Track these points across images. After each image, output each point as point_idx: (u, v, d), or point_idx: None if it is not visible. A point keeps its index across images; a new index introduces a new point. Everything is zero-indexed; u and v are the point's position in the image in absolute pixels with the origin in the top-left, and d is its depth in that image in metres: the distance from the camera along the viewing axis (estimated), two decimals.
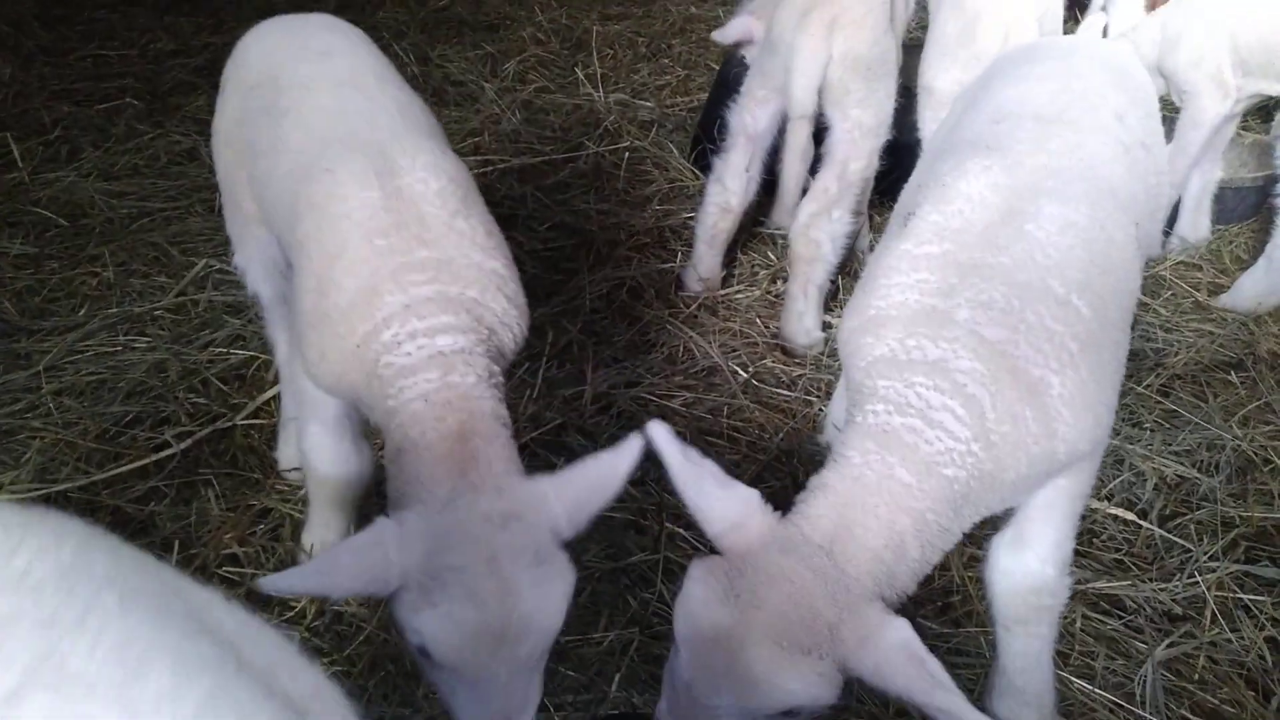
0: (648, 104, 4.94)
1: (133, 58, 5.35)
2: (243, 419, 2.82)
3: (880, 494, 1.61)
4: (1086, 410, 1.73)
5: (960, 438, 1.65)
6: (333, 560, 1.54)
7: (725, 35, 3.70)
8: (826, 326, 3.33)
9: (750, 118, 3.16)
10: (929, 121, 3.22)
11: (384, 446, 1.77)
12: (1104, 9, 5.26)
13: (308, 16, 2.43)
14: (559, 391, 3.02)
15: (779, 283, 3.63)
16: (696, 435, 2.91)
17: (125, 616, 0.80)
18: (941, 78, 3.13)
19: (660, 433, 1.68)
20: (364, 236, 1.82)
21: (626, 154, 4.41)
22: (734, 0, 6.30)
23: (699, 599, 1.52)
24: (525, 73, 5.23)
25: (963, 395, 1.67)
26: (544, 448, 2.80)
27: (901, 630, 1.45)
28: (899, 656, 1.43)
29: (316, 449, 2.14)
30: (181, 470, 2.69)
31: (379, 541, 1.53)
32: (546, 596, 1.51)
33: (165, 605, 0.83)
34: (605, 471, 1.63)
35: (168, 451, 2.70)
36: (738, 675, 1.44)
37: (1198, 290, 3.67)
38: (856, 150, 3.03)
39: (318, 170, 1.90)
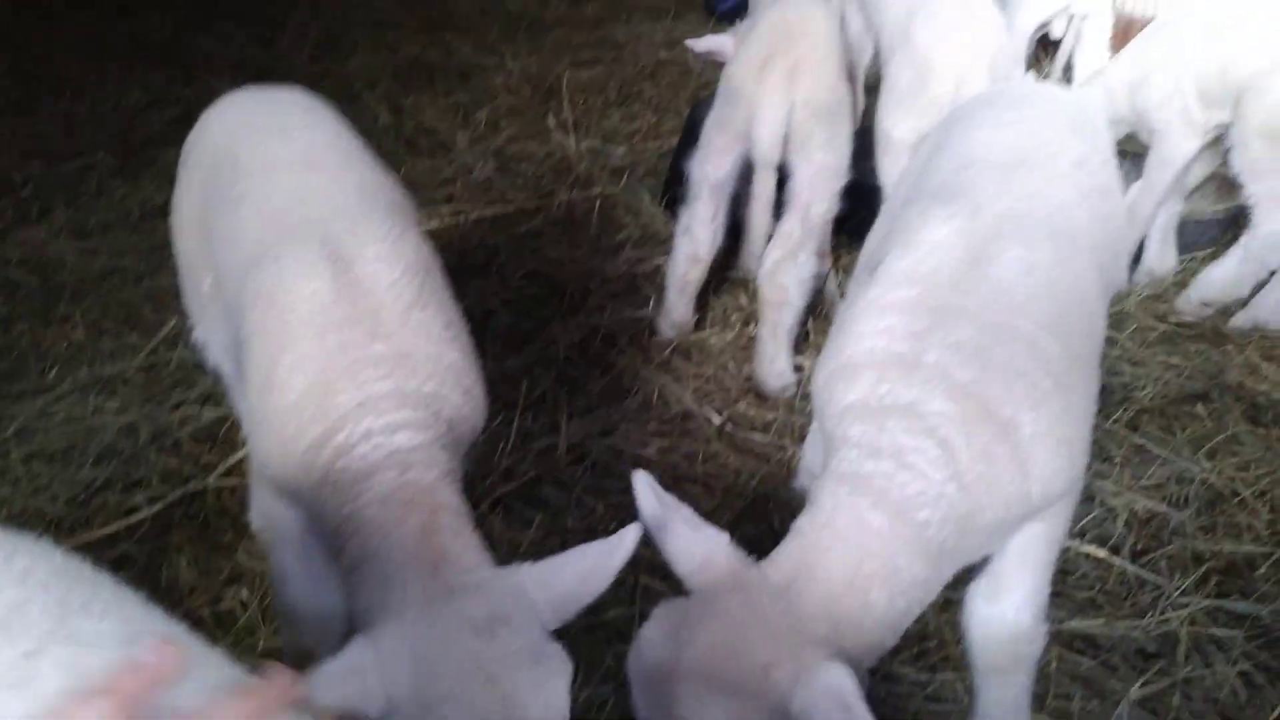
0: (619, 150, 5.00)
1: (104, 112, 5.38)
2: (214, 480, 2.81)
3: (848, 538, 1.60)
4: (1060, 448, 1.75)
5: (934, 480, 1.65)
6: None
7: (698, 45, 3.77)
8: (798, 369, 3.35)
9: (712, 167, 3.19)
10: (888, 168, 3.27)
11: (341, 560, 1.66)
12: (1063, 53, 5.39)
13: (275, 91, 2.37)
14: (533, 444, 3.02)
15: (751, 326, 3.66)
16: (672, 482, 2.91)
17: (121, 604, 0.97)
18: (899, 126, 3.19)
19: (640, 478, 1.68)
20: (314, 330, 1.74)
21: (599, 201, 4.45)
22: None
23: (646, 637, 1.52)
24: (497, 121, 5.29)
25: (935, 437, 1.67)
26: (519, 501, 2.80)
27: (833, 675, 1.38)
28: (826, 702, 1.37)
29: (287, 582, 1.95)
30: (152, 534, 2.67)
31: (358, 668, 1.39)
32: (550, 697, 1.43)
33: (146, 602, 1.01)
34: (596, 564, 1.54)
35: (138, 516, 2.69)
36: (668, 714, 1.43)
37: (1163, 322, 3.73)
38: (819, 193, 3.08)
39: (267, 260, 1.84)
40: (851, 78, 3.83)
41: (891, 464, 1.66)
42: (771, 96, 2.96)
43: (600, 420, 3.15)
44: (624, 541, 1.55)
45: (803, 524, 1.66)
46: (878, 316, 1.82)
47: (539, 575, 1.53)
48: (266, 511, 1.94)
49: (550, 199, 4.49)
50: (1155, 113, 3.62)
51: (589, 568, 1.53)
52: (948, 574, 1.72)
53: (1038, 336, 1.73)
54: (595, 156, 4.90)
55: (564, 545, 2.61)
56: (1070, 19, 5.41)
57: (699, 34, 6.70)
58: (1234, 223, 4.22)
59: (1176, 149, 3.61)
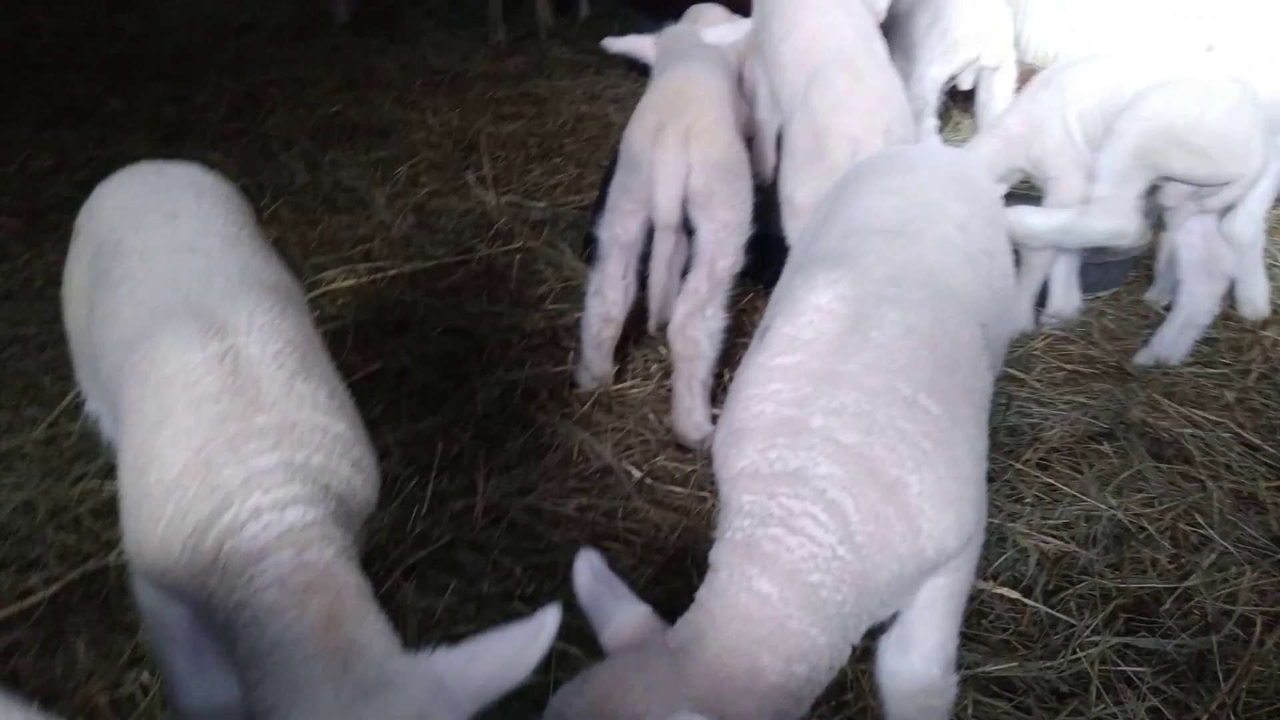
0: (540, 204, 5.01)
1: (10, 175, 5.25)
2: (116, 558, 2.71)
3: (737, 607, 1.64)
4: (948, 506, 1.78)
5: (824, 543, 1.69)
6: None
7: (614, 44, 3.83)
8: (716, 419, 3.37)
9: (620, 229, 3.27)
10: (793, 230, 3.33)
11: (235, 653, 1.57)
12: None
13: (168, 168, 2.35)
14: (449, 505, 2.98)
15: (671, 377, 3.68)
16: (592, 540, 2.89)
17: None
18: (799, 190, 3.27)
19: (582, 560, 1.74)
20: (191, 402, 1.70)
21: (519, 254, 4.46)
22: (624, 99, 6.51)
23: (559, 692, 1.57)
24: (417, 176, 5.27)
25: (824, 500, 1.71)
26: (433, 566, 2.75)
27: None
28: None
29: (177, 682, 1.86)
30: (49, 617, 2.56)
31: None
32: None
33: None
34: (516, 651, 1.49)
35: (33, 599, 2.57)
36: None
37: (1070, 363, 3.83)
38: (724, 249, 3.17)
39: (142, 338, 1.81)
40: (755, 135, 3.93)
41: (781, 530, 1.70)
42: (667, 162, 3.06)
43: (518, 479, 3.12)
44: (544, 627, 1.52)
45: (701, 595, 1.71)
46: (765, 382, 1.86)
47: (457, 665, 1.47)
48: (148, 607, 1.84)
49: (470, 254, 4.48)
50: (1051, 160, 3.77)
51: (509, 655, 1.49)
52: (854, 637, 1.74)
53: (918, 398, 1.78)
54: (516, 211, 4.92)
55: (479, 613, 2.62)
56: (980, 71, 5.62)
57: (620, 89, 6.89)
58: (1136, 264, 4.40)
59: (1072, 193, 3.75)
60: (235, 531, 1.61)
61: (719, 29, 3.79)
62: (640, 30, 5.41)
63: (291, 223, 4.75)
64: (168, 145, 5.69)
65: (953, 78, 5.60)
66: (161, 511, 1.65)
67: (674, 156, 3.04)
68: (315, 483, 1.70)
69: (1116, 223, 3.54)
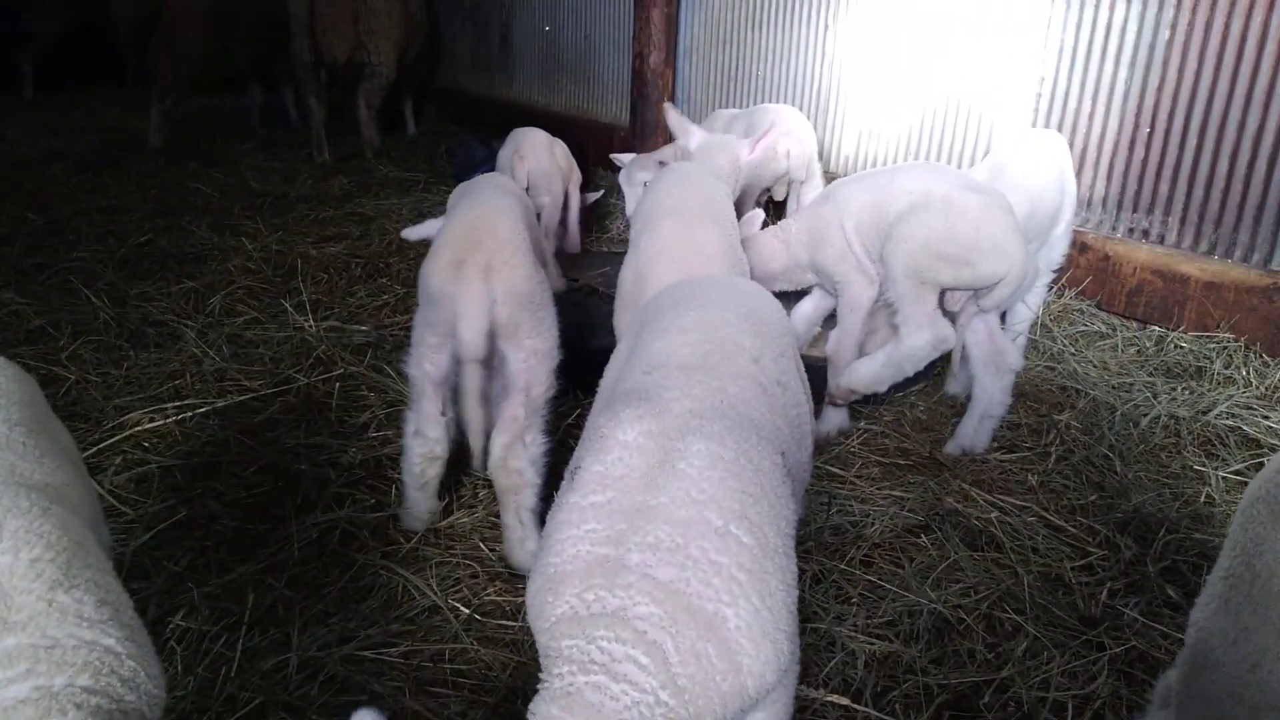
0: (363, 327, 4.91)
1: None
2: None
3: None
4: (764, 638, 1.77)
5: (647, 688, 1.64)
6: None
7: (414, 233, 3.83)
8: None
9: (430, 366, 3.20)
10: None
11: None
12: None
13: None
14: (261, 664, 2.77)
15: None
16: (417, 687, 2.75)
17: None
18: (622, 326, 3.37)
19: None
20: None
21: (339, 382, 4.33)
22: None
23: None
24: (233, 305, 5.09)
25: (645, 643, 1.67)
26: None
27: None
28: None
29: None
30: None
31: None
32: None
33: None
34: None
35: None
36: None
37: (886, 457, 3.99)
38: (535, 376, 3.16)
39: None
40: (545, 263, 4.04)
41: (604, 676, 1.64)
42: (470, 295, 3.04)
43: (337, 628, 2.94)
44: None
45: None
46: (579, 522, 1.83)
47: None
48: None
49: (288, 385, 4.32)
50: (835, 267, 4.01)
51: None
52: None
53: (729, 528, 1.79)
54: (338, 336, 4.79)
55: None
56: (790, 184, 5.98)
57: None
58: (945, 360, 4.66)
59: (860, 296, 3.98)
60: None
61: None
62: (466, 148, 5.49)
63: (94, 363, 4.47)
64: None
65: (766, 190, 5.94)
66: None
67: (476, 290, 3.03)
68: (80, 710, 1.52)
69: (930, 335, 3.78)
